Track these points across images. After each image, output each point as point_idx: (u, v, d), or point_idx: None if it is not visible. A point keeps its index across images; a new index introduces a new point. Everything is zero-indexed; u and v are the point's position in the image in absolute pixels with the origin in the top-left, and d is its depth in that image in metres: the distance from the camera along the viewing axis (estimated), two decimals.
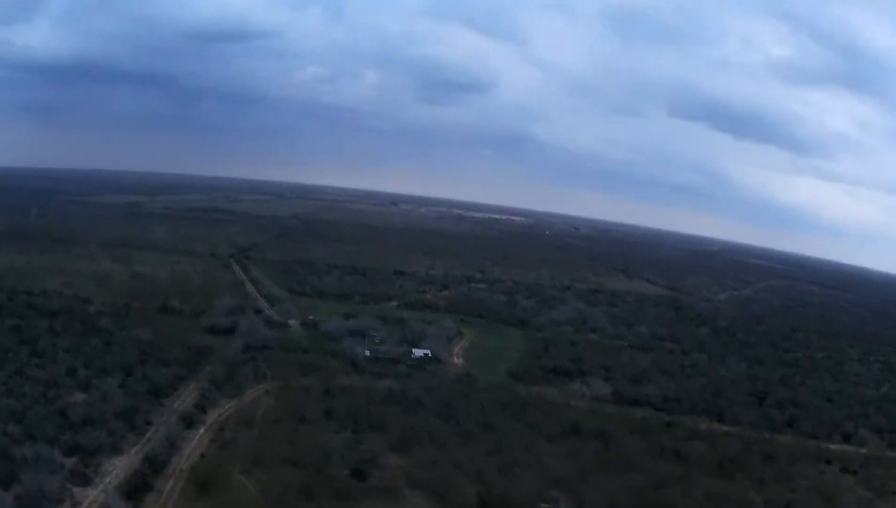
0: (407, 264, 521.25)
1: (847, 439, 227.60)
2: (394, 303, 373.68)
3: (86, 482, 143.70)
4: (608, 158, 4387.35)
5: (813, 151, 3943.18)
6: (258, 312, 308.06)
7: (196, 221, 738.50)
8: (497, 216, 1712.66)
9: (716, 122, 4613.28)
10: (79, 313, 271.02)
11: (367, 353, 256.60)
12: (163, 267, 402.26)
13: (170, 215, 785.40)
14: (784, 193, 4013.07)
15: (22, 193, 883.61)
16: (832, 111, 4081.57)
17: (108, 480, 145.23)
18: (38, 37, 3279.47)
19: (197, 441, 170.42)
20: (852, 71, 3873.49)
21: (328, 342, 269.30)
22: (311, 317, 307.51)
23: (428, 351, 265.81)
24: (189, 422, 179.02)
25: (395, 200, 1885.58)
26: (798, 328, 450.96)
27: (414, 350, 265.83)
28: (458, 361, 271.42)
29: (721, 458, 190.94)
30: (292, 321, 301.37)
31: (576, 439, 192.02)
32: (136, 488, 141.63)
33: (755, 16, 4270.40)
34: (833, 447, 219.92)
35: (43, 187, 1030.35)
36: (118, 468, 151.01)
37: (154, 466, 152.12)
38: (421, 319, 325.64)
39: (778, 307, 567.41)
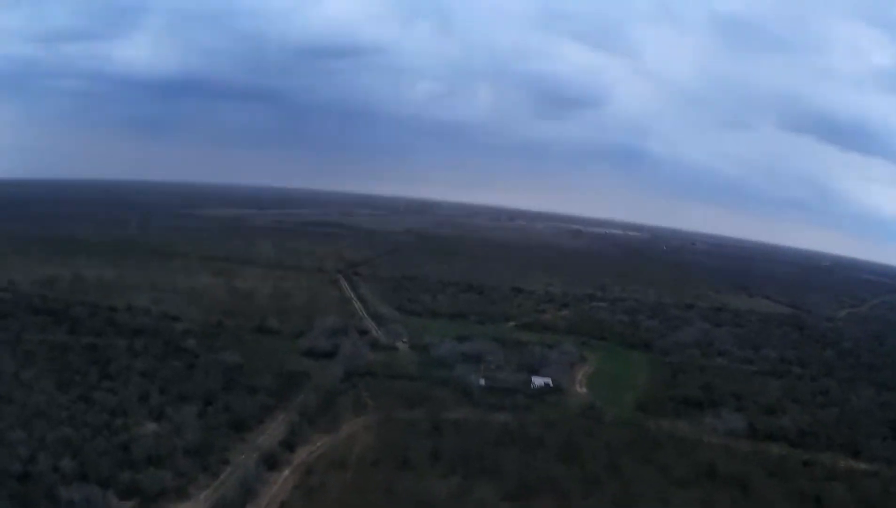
0: (525, 281, 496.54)
1: None
2: (511, 323, 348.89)
3: None
4: (720, 171, 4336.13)
5: None
6: (363, 333, 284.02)
7: (305, 235, 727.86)
8: (614, 231, 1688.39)
9: (823, 134, 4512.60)
10: (164, 331, 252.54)
11: (482, 382, 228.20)
12: (265, 283, 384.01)
13: (278, 228, 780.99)
14: (891, 205, 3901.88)
15: (126, 205, 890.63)
16: None
17: None
18: (138, 52, 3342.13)
19: (278, 487, 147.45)
20: None
21: (439, 368, 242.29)
22: (422, 340, 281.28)
23: (549, 380, 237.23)
24: (272, 462, 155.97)
25: (511, 215, 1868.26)
26: None
27: (533, 379, 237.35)
28: (581, 390, 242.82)
29: (861, 503, 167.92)
30: (401, 344, 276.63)
31: (711, 484, 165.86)
32: None
33: (859, 23, 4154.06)
34: None
35: (148, 200, 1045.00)
36: None
37: None
38: (540, 342, 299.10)
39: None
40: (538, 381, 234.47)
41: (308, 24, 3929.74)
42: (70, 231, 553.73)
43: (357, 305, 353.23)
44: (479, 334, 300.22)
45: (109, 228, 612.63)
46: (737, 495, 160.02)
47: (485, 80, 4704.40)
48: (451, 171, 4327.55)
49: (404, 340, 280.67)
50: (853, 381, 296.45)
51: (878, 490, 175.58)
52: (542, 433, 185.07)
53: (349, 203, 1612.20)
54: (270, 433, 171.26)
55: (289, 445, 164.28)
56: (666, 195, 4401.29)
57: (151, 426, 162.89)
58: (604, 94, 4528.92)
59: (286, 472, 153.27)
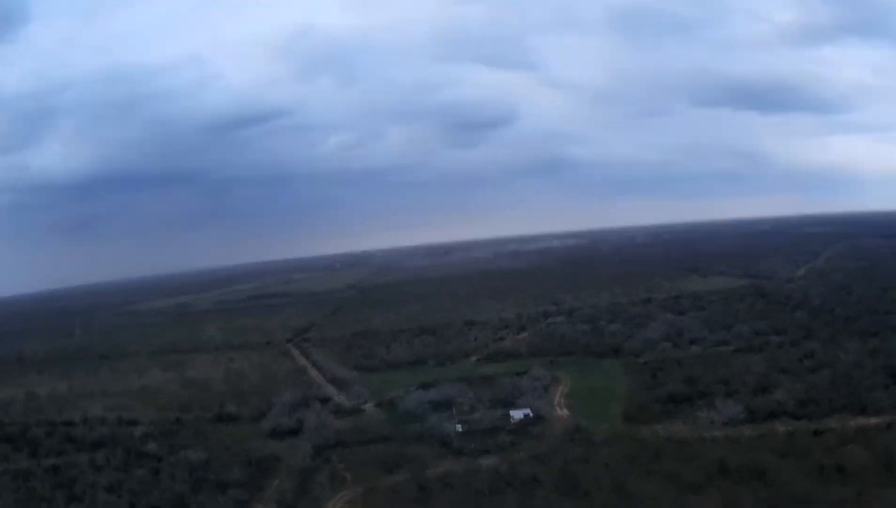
0: (476, 312, 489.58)
1: None
2: (473, 358, 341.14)
3: None
4: (645, 162, 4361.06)
5: (837, 107, 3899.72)
6: (325, 401, 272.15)
7: (249, 310, 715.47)
8: (551, 244, 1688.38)
9: (740, 102, 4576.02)
10: (123, 439, 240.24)
11: (459, 428, 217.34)
12: (216, 368, 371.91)
13: (221, 309, 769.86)
14: (818, 156, 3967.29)
15: (66, 313, 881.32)
16: (848, 64, 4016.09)
17: None
18: (52, 157, 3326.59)
19: None
20: (859, 19, 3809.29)
21: (411, 422, 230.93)
22: (386, 395, 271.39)
23: (528, 410, 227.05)
24: None
25: (447, 249, 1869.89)
26: (888, 287, 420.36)
27: (512, 413, 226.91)
28: (562, 413, 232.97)
29: (884, 460, 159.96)
30: (366, 405, 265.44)
31: (726, 481, 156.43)
32: None
33: None
34: None
35: (87, 304, 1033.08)
36: None
37: None
38: (507, 372, 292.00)
39: (857, 271, 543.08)
40: (517, 414, 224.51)
41: (212, 100, 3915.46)
42: (16, 349, 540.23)
43: (313, 373, 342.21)
44: (442, 377, 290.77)
45: (54, 339, 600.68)
46: (757, 487, 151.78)
47: (394, 121, 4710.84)
48: (377, 218, 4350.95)
49: (369, 399, 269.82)
50: (834, 337, 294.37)
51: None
52: (535, 470, 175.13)
53: (286, 270, 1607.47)
54: None
55: None
56: (597, 196, 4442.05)
57: None
58: (513, 110, 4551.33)
59: None
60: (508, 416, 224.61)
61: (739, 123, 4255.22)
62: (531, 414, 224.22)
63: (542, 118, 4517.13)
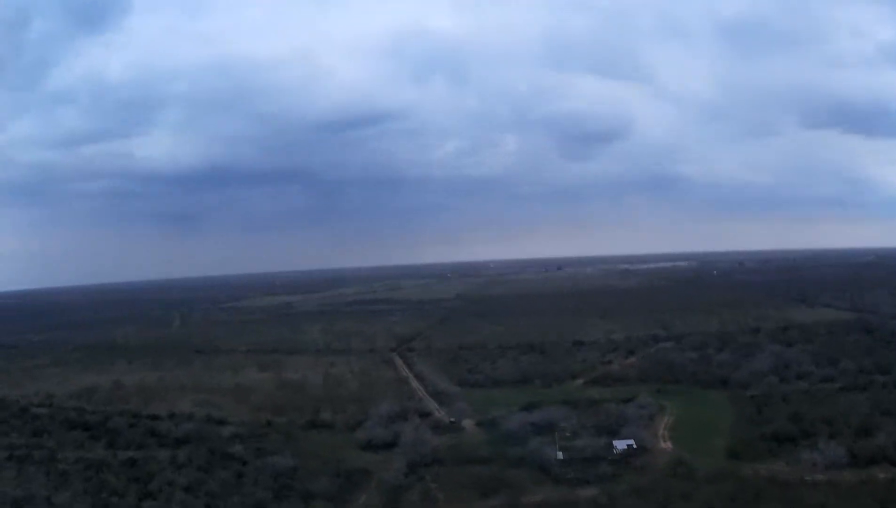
0: (585, 332, 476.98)
1: None
2: (579, 381, 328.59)
3: None
4: (752, 182, 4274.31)
5: None
6: (424, 415, 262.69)
7: (353, 315, 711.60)
8: (661, 265, 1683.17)
9: (847, 125, 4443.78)
10: (209, 438, 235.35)
11: (560, 454, 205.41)
12: (315, 371, 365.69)
13: (325, 311, 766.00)
14: None
15: (166, 304, 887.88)
16: None
17: None
18: (159, 147, 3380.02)
19: None
20: None
21: (511, 444, 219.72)
22: (488, 414, 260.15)
23: (632, 441, 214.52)
24: None
25: (558, 264, 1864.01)
26: None
27: (615, 443, 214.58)
28: (665, 445, 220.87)
29: None
30: (466, 422, 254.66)
31: None
32: None
33: (858, 2, 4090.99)
34: None
35: (187, 297, 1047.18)
36: None
37: None
38: (613, 398, 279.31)
39: None
40: (620, 444, 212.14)
41: (323, 98, 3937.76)
42: (109, 337, 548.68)
43: (414, 384, 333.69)
44: (547, 398, 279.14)
45: (149, 330, 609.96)
46: None
47: (507, 129, 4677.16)
48: (490, 228, 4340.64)
49: (469, 416, 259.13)
50: None
51: None
52: (634, 503, 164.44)
53: (394, 276, 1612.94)
54: None
55: None
56: (704, 217, 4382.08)
57: None
58: (625, 123, 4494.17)
59: None
60: (611, 445, 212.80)
61: (847, 146, 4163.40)
62: (634, 445, 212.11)
63: (653, 132, 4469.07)
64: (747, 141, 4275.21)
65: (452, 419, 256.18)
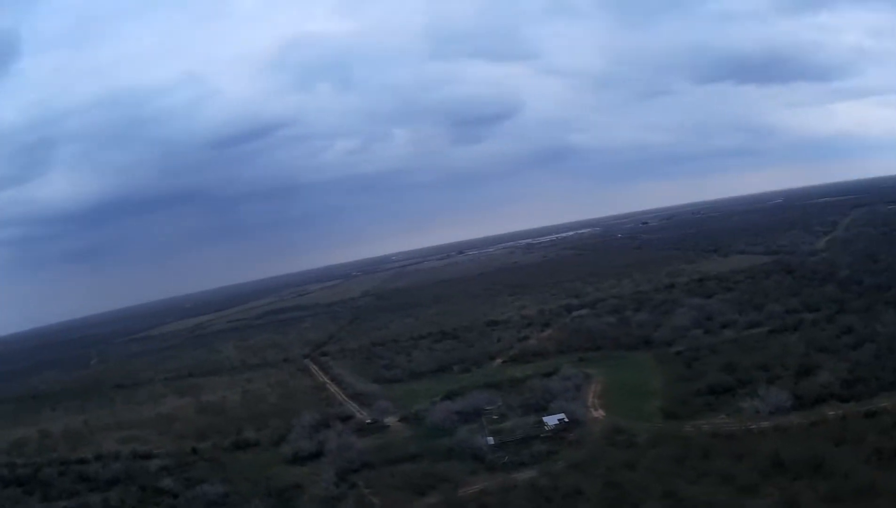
0: (497, 311, 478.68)
1: None
2: (498, 361, 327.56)
3: None
4: (651, 144, 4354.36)
5: (837, 74, 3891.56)
6: (347, 419, 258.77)
7: (265, 327, 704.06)
8: (564, 234, 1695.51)
9: (740, 76, 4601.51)
10: (138, 474, 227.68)
11: (491, 440, 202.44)
12: (233, 391, 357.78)
13: (237, 327, 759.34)
14: (823, 124, 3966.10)
15: (81, 343, 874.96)
16: (844, 29, 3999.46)
17: None
18: (57, 187, 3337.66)
19: None
20: None
21: (439, 436, 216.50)
22: (411, 408, 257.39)
23: (562, 415, 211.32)
24: None
25: (460, 248, 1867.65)
26: None
27: (545, 419, 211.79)
28: (598, 414, 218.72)
29: None
30: (390, 420, 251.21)
31: (783, 477, 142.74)
32: None
33: None
34: None
35: (103, 332, 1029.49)
36: None
37: None
38: (535, 372, 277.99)
39: (880, 238, 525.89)
40: (550, 420, 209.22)
41: (212, 117, 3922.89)
42: (32, 385, 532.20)
43: (332, 388, 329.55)
44: (468, 383, 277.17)
45: (70, 371, 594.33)
46: (817, 482, 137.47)
47: (396, 122, 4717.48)
48: (389, 221, 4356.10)
49: (393, 414, 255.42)
50: (869, 309, 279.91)
51: None
52: (577, 480, 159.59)
53: (301, 282, 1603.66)
54: None
55: None
56: (605, 183, 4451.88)
57: None
58: (516, 102, 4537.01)
59: None
60: (542, 423, 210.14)
61: (741, 97, 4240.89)
62: (566, 419, 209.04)
63: (544, 108, 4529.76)
64: (640, 104, 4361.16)
65: (369, 421, 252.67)
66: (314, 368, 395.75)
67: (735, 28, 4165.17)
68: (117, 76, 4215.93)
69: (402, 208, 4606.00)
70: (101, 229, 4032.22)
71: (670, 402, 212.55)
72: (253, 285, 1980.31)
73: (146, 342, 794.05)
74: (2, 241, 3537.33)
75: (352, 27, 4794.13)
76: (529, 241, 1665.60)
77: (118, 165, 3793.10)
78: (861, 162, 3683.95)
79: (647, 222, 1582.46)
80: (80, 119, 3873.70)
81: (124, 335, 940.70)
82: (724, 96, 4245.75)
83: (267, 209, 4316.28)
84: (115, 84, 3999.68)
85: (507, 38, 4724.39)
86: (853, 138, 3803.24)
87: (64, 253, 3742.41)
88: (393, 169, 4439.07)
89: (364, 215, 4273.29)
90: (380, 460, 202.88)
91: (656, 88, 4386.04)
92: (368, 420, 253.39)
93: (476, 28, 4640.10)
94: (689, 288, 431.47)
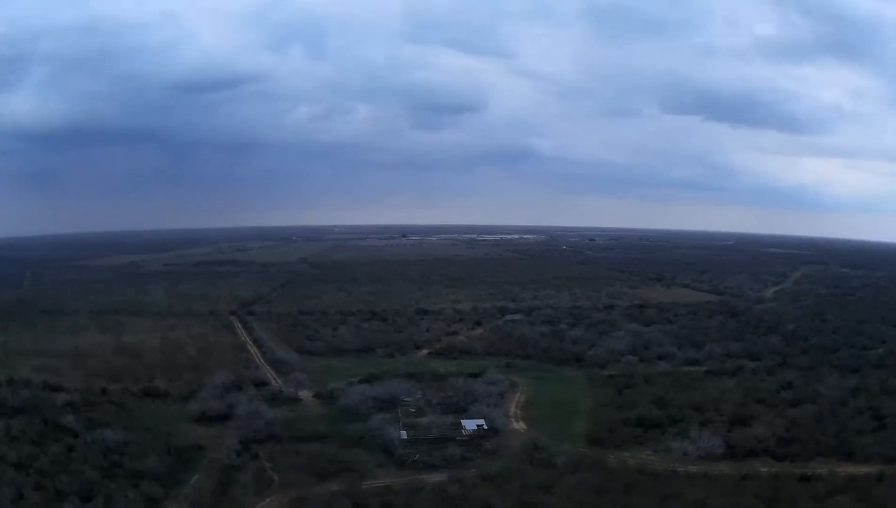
0: (430, 301, 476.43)
1: None
2: (423, 352, 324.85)
3: None
4: (609, 161, 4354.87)
5: (809, 127, 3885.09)
6: (261, 385, 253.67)
7: (198, 276, 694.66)
8: (509, 236, 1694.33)
9: (710, 112, 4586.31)
10: (44, 406, 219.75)
11: (404, 434, 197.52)
12: (153, 335, 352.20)
13: (171, 272, 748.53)
14: (786, 175, 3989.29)
15: (20, 262, 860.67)
16: (824, 84, 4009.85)
17: None
18: (24, 104, 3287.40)
19: None
20: (840, 40, 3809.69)
21: (351, 420, 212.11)
22: (327, 385, 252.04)
23: (482, 421, 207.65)
24: None
25: (404, 231, 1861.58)
26: (863, 319, 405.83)
27: (464, 423, 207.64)
28: (519, 426, 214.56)
29: None
30: (304, 393, 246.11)
31: None
32: None
33: None
34: None
35: (43, 256, 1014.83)
36: None
37: None
38: (460, 370, 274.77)
39: (830, 299, 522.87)
40: (469, 424, 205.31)
41: (184, 60, 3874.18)
42: None
43: (252, 350, 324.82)
44: (390, 369, 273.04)
45: (2, 288, 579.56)
46: None
47: (361, 97, 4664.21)
48: (338, 194, 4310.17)
49: (308, 387, 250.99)
50: (812, 368, 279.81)
51: (889, 494, 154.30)
52: (488, 493, 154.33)
53: (242, 238, 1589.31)
54: None
55: None
56: (557, 192, 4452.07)
57: None
58: (482, 97, 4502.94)
59: None
60: (460, 425, 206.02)
61: (708, 132, 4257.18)
62: (485, 426, 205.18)
63: (509, 107, 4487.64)
64: (605, 120, 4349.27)
65: (293, 391, 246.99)
66: (238, 326, 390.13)
67: (714, 64, 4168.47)
68: (99, 5, 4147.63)
69: (353, 182, 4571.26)
70: (57, 153, 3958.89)
71: (596, 427, 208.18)
72: (195, 232, 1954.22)
73: (82, 271, 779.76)
74: None
75: None
76: (473, 236, 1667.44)
77: (85, 93, 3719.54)
78: (818, 219, 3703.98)
79: (594, 239, 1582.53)
80: (54, 41, 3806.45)
81: (61, 260, 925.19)
82: (690, 129, 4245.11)
83: (220, 161, 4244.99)
84: (93, 13, 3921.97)
85: (484, 33, 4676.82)
86: (814, 194, 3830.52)
87: (16, 171, 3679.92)
88: (350, 143, 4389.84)
89: (314, 183, 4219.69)
90: (287, 434, 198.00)
91: (624, 108, 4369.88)
92: (285, 390, 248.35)
93: (454, 17, 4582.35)
94: (628, 312, 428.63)
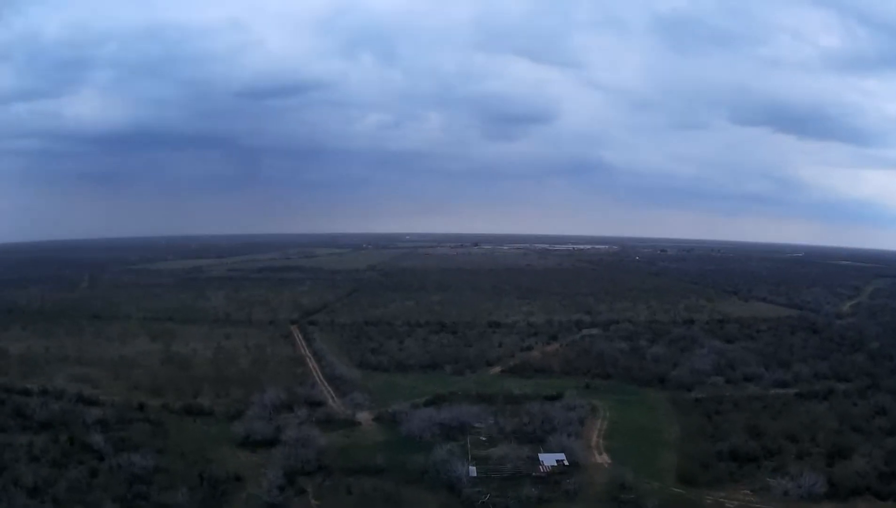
0: (502, 313, 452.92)
1: None
2: (496, 369, 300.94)
3: None
4: (677, 174, 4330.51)
5: (874, 140, 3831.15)
6: (316, 404, 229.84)
7: (261, 282, 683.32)
8: (581, 247, 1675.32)
9: (778, 124, 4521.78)
10: (73, 422, 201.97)
11: (473, 470, 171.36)
12: (206, 344, 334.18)
13: (233, 277, 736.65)
14: (851, 187, 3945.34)
15: (81, 264, 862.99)
16: (888, 97, 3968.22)
17: None
18: (88, 107, 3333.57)
19: None
20: None
21: (413, 449, 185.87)
22: (389, 406, 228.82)
23: (562, 455, 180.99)
24: None
25: (475, 240, 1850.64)
26: None
27: (541, 456, 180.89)
28: (601, 459, 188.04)
29: None
30: (362, 415, 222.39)
31: None
32: None
33: (803, 7, 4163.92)
34: None
35: (105, 258, 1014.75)
36: None
37: None
38: (536, 391, 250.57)
39: None
40: (548, 459, 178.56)
41: (252, 66, 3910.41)
42: (11, 299, 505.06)
43: (311, 363, 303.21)
44: (458, 389, 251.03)
45: (55, 291, 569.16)
46: None
47: (431, 106, 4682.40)
48: (409, 201, 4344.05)
49: (367, 409, 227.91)
50: None
51: None
52: None
53: (311, 244, 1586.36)
54: None
55: None
56: (626, 204, 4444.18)
57: None
58: (552, 108, 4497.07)
59: None
60: (537, 459, 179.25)
61: (776, 144, 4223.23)
62: (565, 461, 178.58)
63: (580, 119, 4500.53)
64: (674, 133, 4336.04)
65: (350, 413, 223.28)
66: (298, 336, 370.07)
67: (781, 76, 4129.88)
68: (163, 10, 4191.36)
69: (424, 190, 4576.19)
70: (121, 156, 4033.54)
71: (687, 461, 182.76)
72: (262, 238, 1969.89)
73: (140, 275, 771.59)
74: (20, 151, 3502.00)
75: (404, 4, 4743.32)
76: (545, 246, 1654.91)
77: (149, 97, 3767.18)
78: (883, 232, 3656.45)
79: (665, 250, 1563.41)
80: (119, 46, 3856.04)
81: (122, 263, 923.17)
82: (758, 142, 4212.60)
83: (289, 167, 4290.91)
84: (159, 18, 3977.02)
85: (554, 43, 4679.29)
86: (879, 207, 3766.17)
87: (81, 173, 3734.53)
88: (421, 151, 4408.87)
89: (385, 191, 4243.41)
90: (339, 466, 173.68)
91: (693, 120, 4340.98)
92: (341, 413, 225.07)
93: (525, 26, 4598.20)
94: (709, 327, 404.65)
